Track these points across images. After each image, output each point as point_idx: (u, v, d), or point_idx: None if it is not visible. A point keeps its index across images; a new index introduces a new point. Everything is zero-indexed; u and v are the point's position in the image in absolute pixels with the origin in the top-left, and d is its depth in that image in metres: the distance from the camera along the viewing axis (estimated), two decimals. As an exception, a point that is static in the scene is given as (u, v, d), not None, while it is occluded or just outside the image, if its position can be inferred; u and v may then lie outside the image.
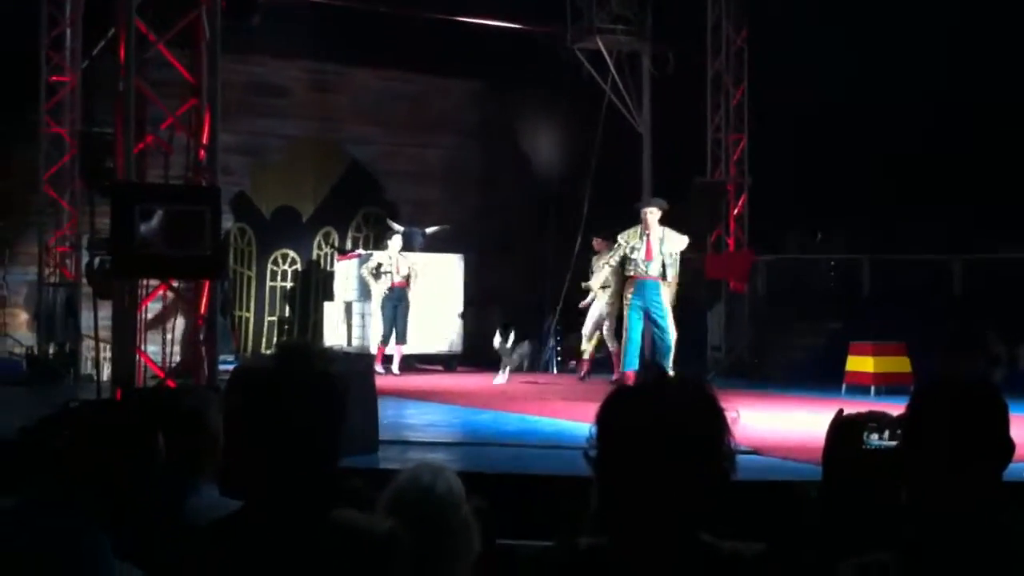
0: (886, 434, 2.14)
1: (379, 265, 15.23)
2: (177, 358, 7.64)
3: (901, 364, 11.97)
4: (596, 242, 13.98)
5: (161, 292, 7.90)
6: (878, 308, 14.76)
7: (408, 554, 2.03)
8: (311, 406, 2.01)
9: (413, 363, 16.56)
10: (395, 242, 15.40)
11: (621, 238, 11.30)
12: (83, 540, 2.28)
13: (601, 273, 12.63)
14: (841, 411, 2.21)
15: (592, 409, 1.85)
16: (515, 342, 14.00)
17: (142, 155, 7.52)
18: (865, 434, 2.13)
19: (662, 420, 1.73)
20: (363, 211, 19.54)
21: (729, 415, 1.79)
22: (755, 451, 7.02)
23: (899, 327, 12.81)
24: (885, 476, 2.12)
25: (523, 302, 17.39)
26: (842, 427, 2.16)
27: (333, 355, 2.57)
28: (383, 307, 15.12)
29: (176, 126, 7.73)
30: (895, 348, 12.28)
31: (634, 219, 11.45)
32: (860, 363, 12.37)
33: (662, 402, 1.76)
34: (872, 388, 11.87)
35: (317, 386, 2.03)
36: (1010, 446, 2.05)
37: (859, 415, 2.18)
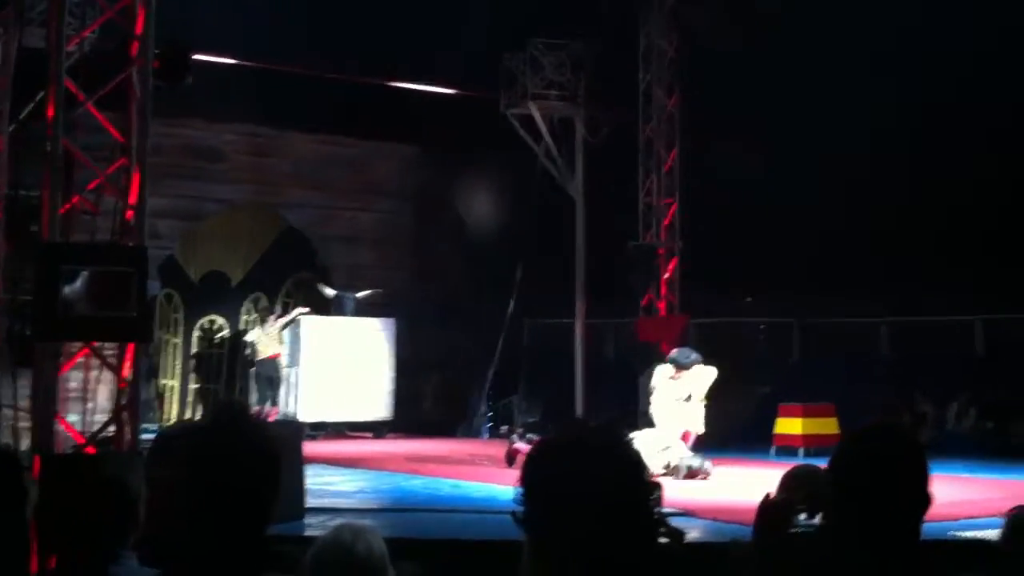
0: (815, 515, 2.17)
1: None
2: (97, 426, 7.42)
3: (829, 426, 12.11)
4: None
5: (83, 357, 7.71)
6: (807, 371, 14.93)
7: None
8: (248, 470, 1.94)
9: (343, 430, 16.35)
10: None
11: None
12: None
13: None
14: (768, 495, 2.24)
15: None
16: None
17: (68, 217, 7.38)
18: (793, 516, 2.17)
19: (583, 474, 1.73)
20: (294, 276, 19.38)
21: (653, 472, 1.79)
22: (686, 512, 7.05)
23: (828, 389, 12.97)
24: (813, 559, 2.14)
25: (457, 367, 17.30)
26: (770, 512, 2.18)
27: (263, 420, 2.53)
28: None
29: (104, 187, 7.60)
30: (824, 409, 12.43)
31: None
32: (789, 425, 12.50)
33: (583, 456, 1.75)
34: (801, 450, 11.97)
35: (253, 449, 1.96)
36: (927, 498, 2.09)
37: (789, 488, 2.20)
